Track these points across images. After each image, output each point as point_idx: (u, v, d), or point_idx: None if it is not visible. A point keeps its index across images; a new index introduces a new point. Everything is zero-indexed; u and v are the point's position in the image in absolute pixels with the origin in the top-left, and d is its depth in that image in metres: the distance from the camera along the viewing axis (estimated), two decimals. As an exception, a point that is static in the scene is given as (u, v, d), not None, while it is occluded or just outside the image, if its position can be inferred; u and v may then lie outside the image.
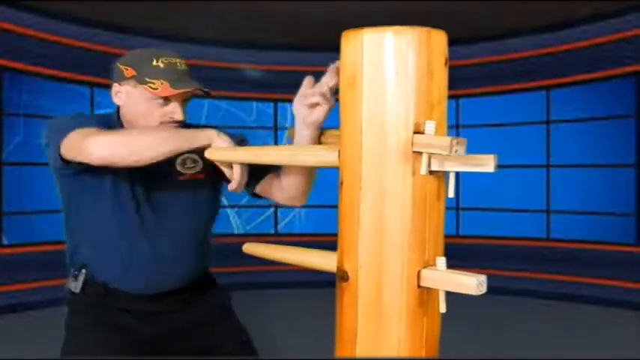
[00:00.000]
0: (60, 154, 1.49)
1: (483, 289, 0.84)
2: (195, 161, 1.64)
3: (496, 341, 4.29)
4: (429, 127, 0.84)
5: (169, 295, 1.68)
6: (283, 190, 1.61)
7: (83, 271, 1.65)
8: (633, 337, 4.54)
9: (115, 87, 1.59)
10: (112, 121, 1.62)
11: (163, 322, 1.69)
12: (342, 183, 0.91)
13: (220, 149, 1.36)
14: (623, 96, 5.47)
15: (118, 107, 1.64)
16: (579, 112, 5.78)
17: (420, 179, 0.86)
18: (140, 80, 1.52)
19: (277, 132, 6.49)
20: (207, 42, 6.09)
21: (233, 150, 1.37)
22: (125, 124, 1.61)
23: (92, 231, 1.64)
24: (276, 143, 6.32)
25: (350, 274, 0.90)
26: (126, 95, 1.58)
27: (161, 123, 1.55)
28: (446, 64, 0.88)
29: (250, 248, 1.49)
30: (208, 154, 1.40)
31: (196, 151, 1.42)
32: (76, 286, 1.65)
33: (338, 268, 0.93)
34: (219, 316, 1.77)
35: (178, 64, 1.55)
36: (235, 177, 1.41)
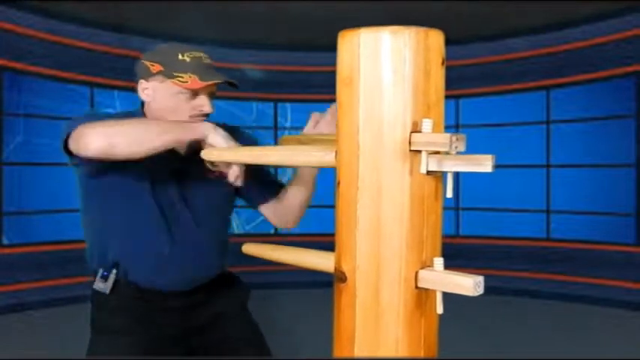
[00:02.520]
0: (66, 146, 1.49)
1: (480, 290, 0.84)
2: None
3: (496, 341, 4.29)
4: (426, 125, 0.84)
5: (195, 292, 1.72)
6: (278, 216, 1.77)
7: (114, 271, 1.65)
8: (633, 337, 4.54)
9: (142, 84, 1.59)
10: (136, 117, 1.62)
11: (188, 317, 1.72)
12: (338, 183, 0.91)
13: (218, 149, 1.36)
14: (623, 96, 5.47)
15: (142, 104, 1.64)
16: (579, 112, 5.78)
17: (418, 179, 0.86)
18: (168, 75, 1.53)
19: (277, 132, 6.49)
20: (207, 42, 6.09)
21: (231, 150, 1.37)
22: (153, 118, 1.61)
23: (125, 230, 1.64)
24: (276, 143, 6.32)
25: (347, 275, 0.90)
26: (153, 91, 1.58)
27: (190, 117, 1.56)
28: (443, 63, 0.88)
29: (249, 248, 1.49)
30: (205, 155, 1.40)
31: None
32: (105, 287, 1.64)
33: (335, 268, 0.93)
34: (236, 311, 1.81)
35: (203, 57, 1.57)
36: (231, 178, 1.47)
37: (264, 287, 5.97)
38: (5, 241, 5.19)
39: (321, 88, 6.20)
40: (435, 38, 0.86)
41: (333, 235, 0.96)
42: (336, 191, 0.91)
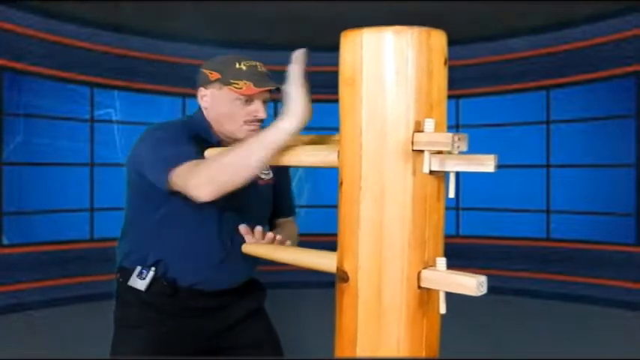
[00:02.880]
0: (168, 185, 1.51)
1: (483, 290, 0.84)
2: (269, 168, 1.79)
3: (496, 341, 4.29)
4: (429, 125, 0.84)
5: (227, 293, 1.78)
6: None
7: (153, 269, 1.69)
8: (633, 337, 4.54)
9: (201, 91, 1.69)
10: (198, 124, 1.69)
11: (217, 317, 1.78)
12: (341, 183, 0.91)
13: (219, 150, 1.36)
14: (623, 96, 5.47)
15: (200, 109, 1.72)
16: (579, 112, 5.78)
17: (420, 179, 0.86)
18: (225, 82, 1.63)
19: (277, 132, 6.49)
20: (207, 42, 6.09)
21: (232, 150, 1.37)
22: (212, 123, 1.69)
23: (171, 231, 1.68)
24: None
25: (350, 275, 0.90)
26: (211, 98, 1.67)
27: (245, 122, 1.65)
28: (445, 63, 0.88)
29: (250, 248, 1.49)
30: (207, 154, 1.41)
31: None
32: (142, 284, 1.68)
33: (338, 268, 0.93)
34: (255, 312, 1.89)
35: (259, 66, 1.66)
36: None
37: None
38: (5, 241, 5.19)
39: (322, 88, 6.18)
40: (438, 38, 0.86)
41: (334, 234, 0.96)
42: (339, 191, 0.91)
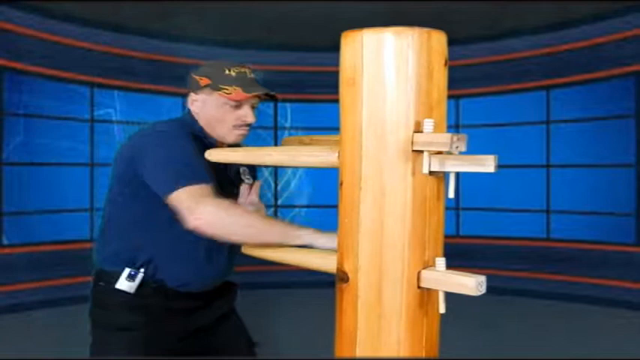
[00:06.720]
0: (168, 197, 1.54)
1: (483, 290, 0.84)
2: (251, 174, 1.83)
3: (496, 341, 4.29)
4: (428, 125, 0.84)
5: (208, 292, 1.79)
6: None
7: (141, 270, 1.66)
8: (633, 337, 4.54)
9: (192, 96, 1.72)
10: (191, 124, 1.71)
11: (198, 317, 1.79)
12: (341, 183, 0.91)
13: (220, 151, 1.36)
14: (623, 96, 5.47)
15: (189, 111, 1.75)
16: (579, 112, 5.78)
17: (420, 180, 0.86)
18: (215, 87, 1.66)
19: (277, 132, 6.49)
20: (207, 42, 6.09)
21: (233, 151, 1.37)
22: (204, 127, 1.72)
23: (158, 233, 1.67)
24: (276, 144, 6.31)
25: (350, 275, 0.90)
26: (202, 103, 1.71)
27: (233, 126, 1.68)
28: (445, 64, 0.88)
29: (250, 248, 1.49)
30: (208, 155, 1.41)
31: (251, 166, 1.72)
32: (131, 286, 1.65)
33: (338, 269, 0.93)
34: (230, 312, 1.90)
35: (247, 72, 1.69)
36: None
37: (264, 287, 5.98)
38: (5, 241, 5.19)
39: (321, 89, 6.20)
40: (438, 39, 0.87)
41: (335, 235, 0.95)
42: (339, 191, 0.91)
